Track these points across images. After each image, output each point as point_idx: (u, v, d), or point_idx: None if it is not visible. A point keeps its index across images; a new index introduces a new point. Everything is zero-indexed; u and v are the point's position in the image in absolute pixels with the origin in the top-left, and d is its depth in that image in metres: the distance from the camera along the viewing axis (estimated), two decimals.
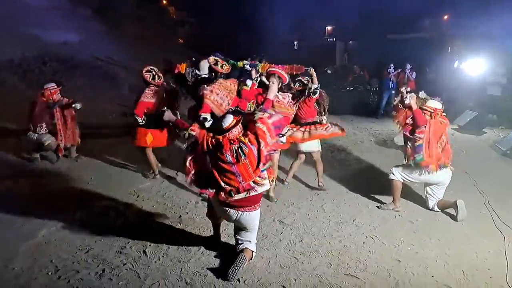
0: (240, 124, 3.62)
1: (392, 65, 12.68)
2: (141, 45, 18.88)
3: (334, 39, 27.86)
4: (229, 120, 3.60)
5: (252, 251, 3.91)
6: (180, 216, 4.97)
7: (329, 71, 15.83)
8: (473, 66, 11.76)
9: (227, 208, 3.71)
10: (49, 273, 3.70)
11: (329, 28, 30.07)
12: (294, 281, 3.66)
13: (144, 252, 4.06)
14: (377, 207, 5.34)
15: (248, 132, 3.63)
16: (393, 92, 12.84)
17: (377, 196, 5.70)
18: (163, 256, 4.02)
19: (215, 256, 4.04)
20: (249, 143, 3.53)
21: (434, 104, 4.95)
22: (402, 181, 5.19)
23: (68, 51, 15.41)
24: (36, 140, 6.58)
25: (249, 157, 3.52)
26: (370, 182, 6.31)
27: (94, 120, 9.51)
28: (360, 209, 5.31)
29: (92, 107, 10.17)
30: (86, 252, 4.06)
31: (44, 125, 6.58)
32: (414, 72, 12.49)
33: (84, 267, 3.80)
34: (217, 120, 3.75)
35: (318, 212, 5.22)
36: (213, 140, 3.56)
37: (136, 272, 3.73)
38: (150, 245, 4.20)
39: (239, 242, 3.92)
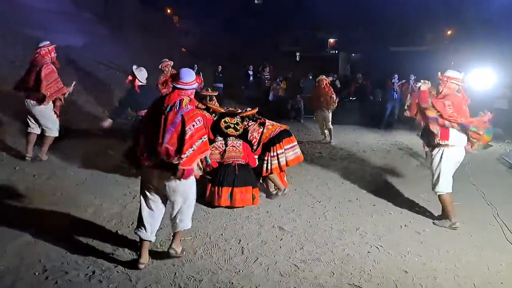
0: (197, 87, 3.62)
1: (396, 75, 12.57)
2: (144, 52, 18.80)
3: (336, 51, 27.92)
4: (190, 76, 3.54)
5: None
6: None
7: (338, 85, 15.78)
8: (479, 80, 11.56)
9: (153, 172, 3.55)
10: (37, 273, 3.51)
11: (331, 40, 30.12)
12: None
13: (137, 254, 3.85)
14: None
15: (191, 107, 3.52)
16: (396, 103, 12.73)
17: (381, 206, 5.53)
18: (156, 260, 3.82)
19: (211, 261, 3.84)
20: (183, 107, 3.43)
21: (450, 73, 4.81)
22: (450, 191, 4.80)
23: (71, 54, 15.31)
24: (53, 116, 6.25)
25: (170, 117, 3.40)
26: (374, 192, 6.13)
27: (93, 123, 9.35)
28: (364, 218, 5.11)
29: (91, 110, 10.07)
30: (77, 253, 3.86)
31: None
32: (418, 83, 12.34)
33: (74, 268, 3.60)
34: (175, 72, 3.64)
35: (320, 219, 5.02)
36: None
37: (127, 275, 3.53)
38: None
39: (172, 224, 3.82)
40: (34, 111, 6.23)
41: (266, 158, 5.58)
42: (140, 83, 6.27)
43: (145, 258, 3.69)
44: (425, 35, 23.32)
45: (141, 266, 3.64)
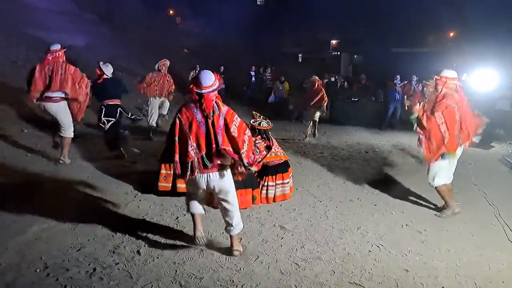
0: (220, 85, 3.63)
1: (398, 76, 12.54)
2: (147, 52, 18.86)
3: (338, 52, 27.96)
4: (211, 78, 3.57)
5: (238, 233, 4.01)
6: (178, 217, 4.79)
7: (346, 86, 15.91)
8: (481, 81, 11.51)
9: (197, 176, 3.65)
10: (38, 270, 3.52)
11: (333, 42, 30.17)
12: (295, 287, 3.46)
13: (138, 252, 3.88)
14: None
15: (227, 106, 3.69)
16: (398, 104, 12.71)
17: (382, 206, 5.52)
18: (157, 257, 3.83)
19: (212, 259, 3.85)
20: (222, 108, 3.59)
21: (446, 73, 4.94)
22: (447, 182, 5.01)
23: (73, 54, 15.34)
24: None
25: (216, 121, 3.54)
26: (375, 192, 6.13)
27: (94, 122, 9.37)
28: (365, 217, 5.11)
29: (93, 110, 10.07)
30: (78, 250, 3.88)
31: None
32: (420, 84, 12.33)
33: (75, 265, 3.62)
34: (195, 77, 3.63)
35: (321, 218, 5.02)
36: (192, 105, 3.60)
37: (128, 272, 3.54)
38: (144, 246, 4.02)
39: (227, 228, 3.97)
40: (53, 110, 6.24)
41: None
42: (106, 76, 6.96)
43: (200, 230, 4.03)
44: (427, 36, 23.35)
45: (198, 238, 3.99)
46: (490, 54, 13.34)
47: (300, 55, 29.33)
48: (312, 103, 9.92)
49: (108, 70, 6.97)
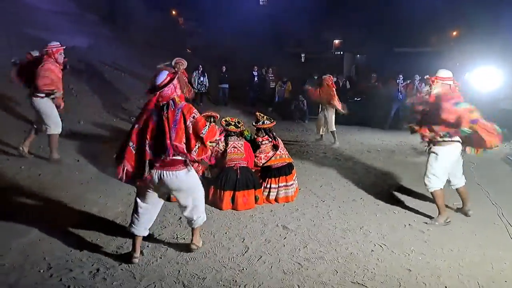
0: (174, 82, 3.58)
1: (401, 76, 12.52)
2: (149, 53, 18.89)
3: (341, 52, 27.88)
4: (163, 76, 3.56)
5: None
6: (180, 218, 4.78)
7: (347, 86, 15.96)
8: (484, 79, 11.45)
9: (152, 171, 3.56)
10: (41, 271, 3.54)
11: (336, 41, 30.09)
12: (298, 287, 3.46)
13: (141, 252, 3.88)
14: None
15: (185, 102, 3.63)
16: (401, 104, 12.68)
17: (385, 205, 5.52)
18: (160, 257, 3.85)
19: (214, 259, 3.86)
20: (178, 104, 3.54)
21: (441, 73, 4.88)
22: (442, 186, 4.85)
23: (76, 55, 15.38)
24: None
25: (170, 116, 3.49)
26: (378, 192, 6.12)
27: (97, 123, 9.41)
28: (367, 217, 5.10)
29: (96, 110, 10.11)
30: (81, 251, 3.89)
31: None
32: (423, 84, 12.29)
33: (78, 266, 3.64)
34: (152, 77, 3.61)
35: (323, 218, 5.02)
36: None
37: (131, 273, 3.55)
38: (148, 246, 4.03)
39: (189, 222, 3.94)
40: (36, 106, 6.26)
41: None
42: None
43: (138, 252, 3.79)
44: (430, 36, 23.22)
45: (136, 260, 3.73)
46: (493, 53, 13.28)
47: (302, 55, 29.26)
48: (329, 102, 9.72)
49: None
